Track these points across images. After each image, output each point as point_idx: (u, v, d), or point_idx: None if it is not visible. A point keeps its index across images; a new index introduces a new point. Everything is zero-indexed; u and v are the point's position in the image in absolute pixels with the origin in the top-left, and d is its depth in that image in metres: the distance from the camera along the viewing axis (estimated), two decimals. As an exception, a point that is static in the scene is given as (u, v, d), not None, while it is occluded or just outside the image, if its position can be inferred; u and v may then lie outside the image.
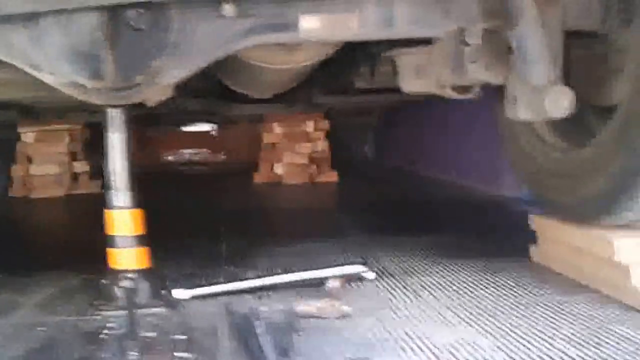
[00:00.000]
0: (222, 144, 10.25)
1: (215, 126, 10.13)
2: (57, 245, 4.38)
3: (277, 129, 7.33)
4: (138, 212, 2.74)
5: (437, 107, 6.50)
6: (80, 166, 6.99)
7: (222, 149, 10.31)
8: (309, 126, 7.33)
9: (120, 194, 2.72)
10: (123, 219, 2.71)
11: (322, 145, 7.36)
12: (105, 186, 2.77)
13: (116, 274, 2.73)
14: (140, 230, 2.74)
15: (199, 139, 10.41)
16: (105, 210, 2.75)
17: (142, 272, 2.72)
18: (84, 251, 3.90)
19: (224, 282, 2.99)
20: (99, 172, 6.99)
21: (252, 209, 5.71)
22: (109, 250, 2.74)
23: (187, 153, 11.02)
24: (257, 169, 7.43)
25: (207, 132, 10.21)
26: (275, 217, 5.33)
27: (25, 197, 6.68)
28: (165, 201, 5.41)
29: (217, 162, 9.91)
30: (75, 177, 6.96)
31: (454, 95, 2.76)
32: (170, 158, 11.13)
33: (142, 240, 2.74)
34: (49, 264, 3.55)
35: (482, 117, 5.64)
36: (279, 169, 7.30)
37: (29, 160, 6.83)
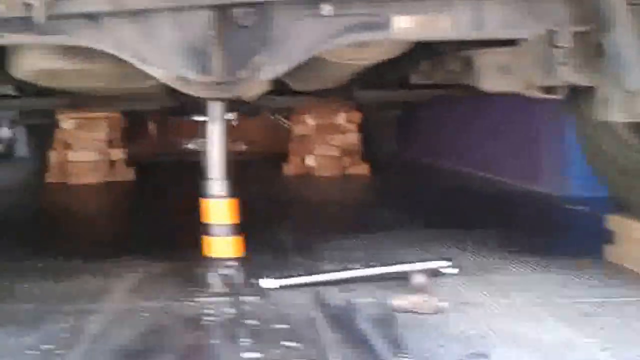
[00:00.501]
0: (243, 134, 10.28)
1: (235, 115, 10.14)
2: (130, 232, 4.46)
3: (309, 120, 7.37)
4: (233, 201, 2.81)
5: (469, 101, 6.57)
6: (117, 153, 7.06)
7: (242, 138, 10.33)
8: (341, 118, 7.39)
9: (218, 183, 2.79)
10: (219, 208, 2.78)
11: (353, 137, 7.41)
12: (204, 175, 2.82)
13: (210, 262, 2.80)
14: (235, 219, 2.81)
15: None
16: (202, 199, 2.81)
17: (236, 261, 2.78)
18: (159, 238, 4.06)
19: (304, 274, 3.06)
20: (133, 159, 7.13)
21: (295, 200, 5.80)
22: (205, 237, 2.80)
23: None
24: (286, 160, 7.49)
25: (229, 122, 10.23)
26: (324, 209, 5.37)
27: (63, 184, 6.75)
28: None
29: (237, 151, 9.92)
30: (112, 164, 7.02)
31: (541, 95, 2.83)
32: (190, 146, 11.17)
33: (236, 229, 2.81)
34: (128, 251, 3.62)
35: (521, 113, 5.75)
36: (310, 161, 7.35)
37: (68, 146, 6.89)
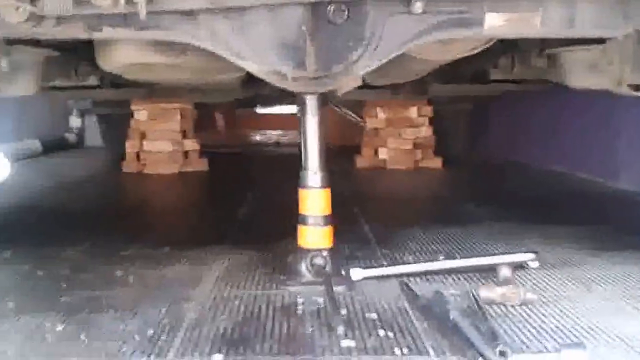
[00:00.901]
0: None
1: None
2: (212, 221, 4.57)
3: (381, 114, 7.42)
4: (328, 192, 2.88)
5: (544, 97, 6.56)
6: (191, 144, 7.22)
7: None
8: (413, 112, 7.42)
9: (314, 175, 2.87)
10: (315, 199, 2.85)
11: (426, 130, 7.44)
12: (302, 166, 2.92)
13: (299, 251, 2.88)
14: (329, 210, 2.88)
15: (284, 120, 10.57)
16: (300, 189, 2.90)
17: (326, 251, 2.86)
18: (243, 227, 4.21)
19: (388, 265, 3.13)
20: (203, 150, 7.27)
21: (371, 193, 5.86)
22: (300, 227, 2.88)
23: (275, 134, 11.22)
24: (360, 153, 7.55)
25: (293, 115, 10.35)
26: (401, 202, 5.42)
27: (139, 173, 6.93)
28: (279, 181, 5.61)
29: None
30: (185, 154, 7.17)
31: (631, 93, 2.84)
32: (257, 138, 11.33)
33: (330, 219, 2.88)
34: (213, 240, 3.72)
35: (594, 109, 5.72)
36: (383, 154, 7.41)
37: (143, 136, 7.06)
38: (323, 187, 2.88)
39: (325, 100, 2.93)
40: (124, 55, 3.20)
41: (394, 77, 4.48)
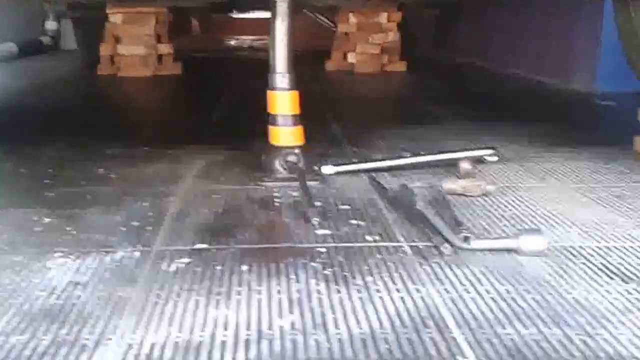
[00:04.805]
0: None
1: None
2: (188, 122, 4.72)
3: (352, 19, 7.51)
4: (296, 94, 3.01)
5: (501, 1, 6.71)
6: (165, 48, 7.27)
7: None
8: (383, 17, 7.52)
9: (282, 77, 2.98)
10: (284, 99, 2.98)
11: (393, 36, 7.55)
12: (270, 69, 3.01)
13: (271, 149, 3.02)
14: (297, 110, 3.02)
15: (259, 26, 10.56)
16: (268, 91, 3.02)
17: (296, 149, 3.01)
18: (217, 128, 4.36)
19: (358, 162, 3.29)
20: (178, 55, 7.32)
21: (340, 94, 6.00)
22: (271, 127, 3.02)
23: (249, 39, 11.22)
24: (329, 57, 7.65)
25: (267, 20, 10.34)
26: (369, 103, 5.59)
27: (113, 76, 6.98)
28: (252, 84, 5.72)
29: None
30: (160, 58, 7.22)
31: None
32: (232, 43, 11.33)
33: (298, 119, 3.02)
34: (189, 140, 3.88)
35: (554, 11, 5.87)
36: (352, 58, 7.52)
37: (117, 40, 7.09)
38: (291, 88, 2.99)
39: (296, 6, 3.00)
40: None
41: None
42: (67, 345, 1.61)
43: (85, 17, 7.80)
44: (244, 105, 5.20)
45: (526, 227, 2.39)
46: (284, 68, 2.98)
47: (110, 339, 1.64)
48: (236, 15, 10.64)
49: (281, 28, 2.97)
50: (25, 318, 1.75)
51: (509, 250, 2.16)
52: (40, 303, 1.84)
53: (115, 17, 7.06)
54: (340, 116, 4.55)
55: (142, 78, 6.91)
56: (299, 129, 3.01)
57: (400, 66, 7.51)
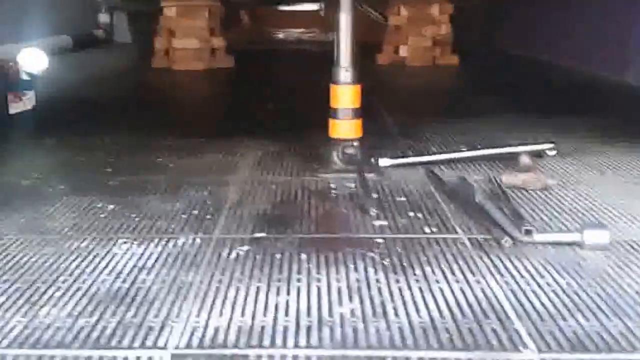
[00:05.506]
0: (331, 24, 10.35)
1: (323, 5, 10.22)
2: (244, 114, 4.71)
3: (404, 11, 7.48)
4: (358, 88, 3.02)
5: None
6: (218, 41, 7.31)
7: (330, 29, 10.41)
8: (435, 9, 7.47)
9: (346, 71, 3.00)
10: (346, 93, 3.00)
11: (445, 28, 7.50)
12: (334, 62, 3.04)
13: (332, 141, 3.04)
14: (358, 104, 3.03)
15: (307, 18, 10.58)
16: (331, 85, 3.04)
17: (355, 141, 3.02)
18: (273, 120, 4.38)
19: (415, 154, 3.29)
20: (230, 48, 7.38)
21: (392, 88, 6.00)
22: (331, 120, 3.04)
23: (296, 32, 11.24)
24: (380, 50, 7.63)
25: (315, 12, 10.35)
26: (421, 96, 5.58)
27: (168, 69, 7.06)
28: (304, 76, 5.72)
29: (325, 41, 10.06)
30: (213, 51, 7.28)
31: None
32: (280, 36, 11.36)
33: (359, 112, 3.03)
34: (245, 132, 3.91)
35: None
36: (403, 51, 7.50)
37: (171, 33, 7.16)
38: (354, 83, 3.01)
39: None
40: None
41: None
42: (134, 328, 1.65)
43: (139, 10, 7.89)
44: (297, 97, 5.23)
45: (587, 221, 2.37)
46: (348, 62, 2.99)
47: (176, 321, 1.68)
48: (283, 7, 10.67)
49: (346, 23, 2.99)
50: (92, 301, 1.79)
51: (570, 244, 2.14)
52: (107, 286, 1.89)
53: (170, 10, 7.11)
54: (392, 109, 4.55)
55: (196, 71, 6.97)
56: (358, 122, 3.03)
57: (452, 59, 7.46)
